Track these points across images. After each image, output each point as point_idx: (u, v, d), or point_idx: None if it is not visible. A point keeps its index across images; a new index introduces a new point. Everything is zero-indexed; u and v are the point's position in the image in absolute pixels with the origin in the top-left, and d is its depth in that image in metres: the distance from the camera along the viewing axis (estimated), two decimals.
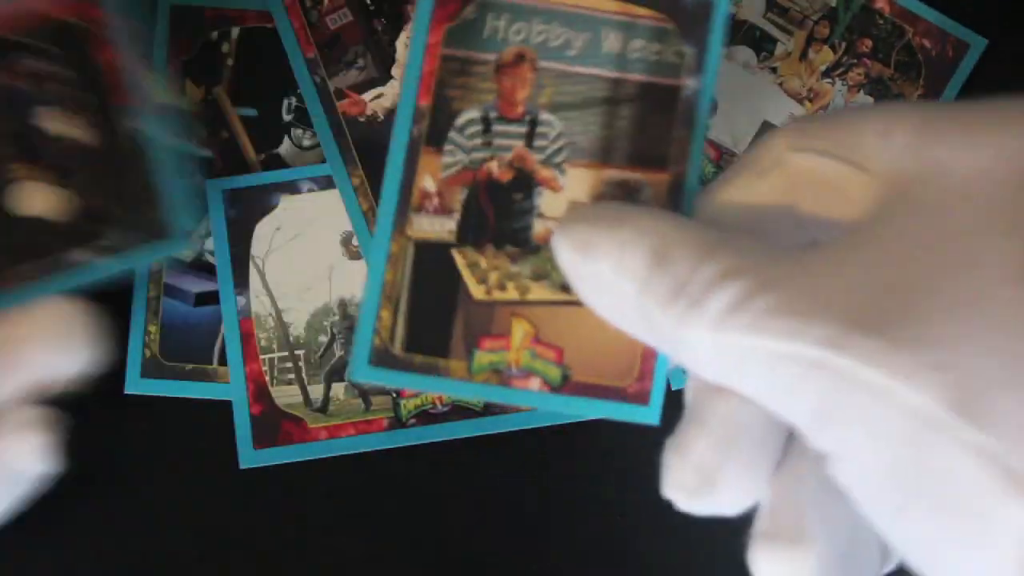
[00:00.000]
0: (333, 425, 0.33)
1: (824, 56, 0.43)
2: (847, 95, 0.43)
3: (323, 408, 0.43)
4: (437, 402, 0.33)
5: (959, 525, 0.23)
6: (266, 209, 0.33)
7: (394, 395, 0.33)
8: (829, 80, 0.43)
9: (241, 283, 0.41)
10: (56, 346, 0.32)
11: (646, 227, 0.28)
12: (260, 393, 0.33)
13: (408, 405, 0.33)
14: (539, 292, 0.37)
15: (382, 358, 0.37)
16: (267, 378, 0.38)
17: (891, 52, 0.43)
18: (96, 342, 0.33)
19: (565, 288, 0.36)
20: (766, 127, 0.43)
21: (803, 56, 0.43)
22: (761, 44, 0.44)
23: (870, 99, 0.43)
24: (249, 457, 0.33)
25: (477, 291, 0.37)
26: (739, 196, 0.30)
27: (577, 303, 0.37)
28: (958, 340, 0.23)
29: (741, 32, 0.43)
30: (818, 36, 0.43)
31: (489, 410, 0.33)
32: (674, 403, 0.35)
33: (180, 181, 0.32)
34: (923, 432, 0.23)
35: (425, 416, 0.33)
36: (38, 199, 0.32)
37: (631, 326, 0.29)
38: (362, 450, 0.41)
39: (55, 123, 0.32)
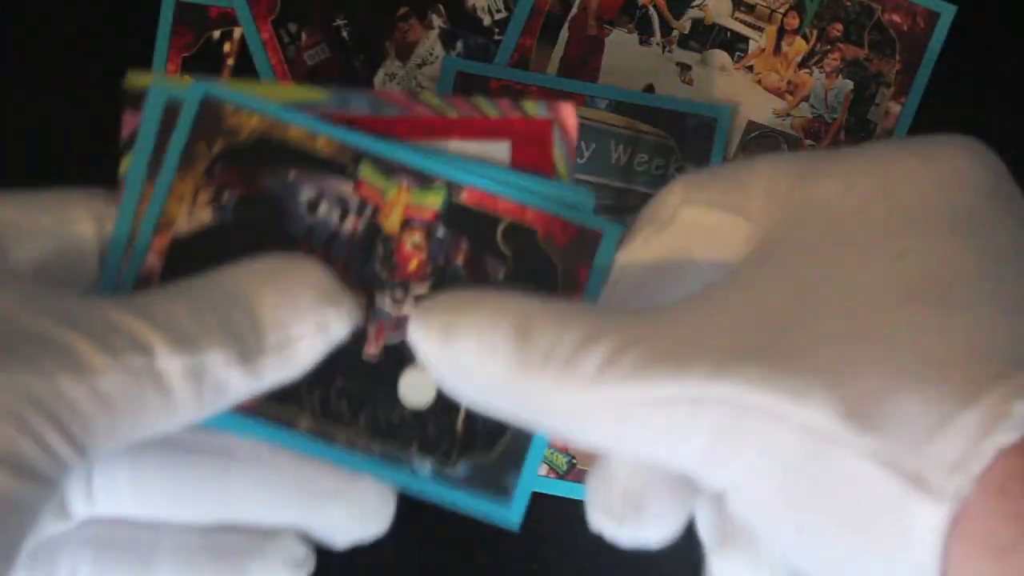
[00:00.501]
0: None
1: (798, 47, 0.43)
2: (826, 82, 0.43)
3: None
4: None
5: (868, 534, 0.23)
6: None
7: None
8: (807, 70, 0.43)
9: None
10: (358, 517, 0.33)
11: (503, 305, 0.28)
12: None
13: None
14: None
15: None
16: None
17: (863, 33, 0.43)
18: (388, 525, 0.33)
19: None
20: (751, 127, 0.43)
21: (777, 50, 0.43)
22: (734, 45, 0.43)
23: (850, 83, 0.43)
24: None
25: None
26: (641, 252, 0.31)
27: None
28: (840, 359, 0.24)
29: (712, 36, 0.43)
30: (788, 28, 0.43)
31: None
32: None
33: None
34: (819, 446, 0.23)
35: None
36: (423, 390, 0.32)
37: (499, 406, 0.29)
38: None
39: None
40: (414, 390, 0.32)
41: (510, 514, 0.31)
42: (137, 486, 0.32)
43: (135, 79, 0.32)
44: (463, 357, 0.28)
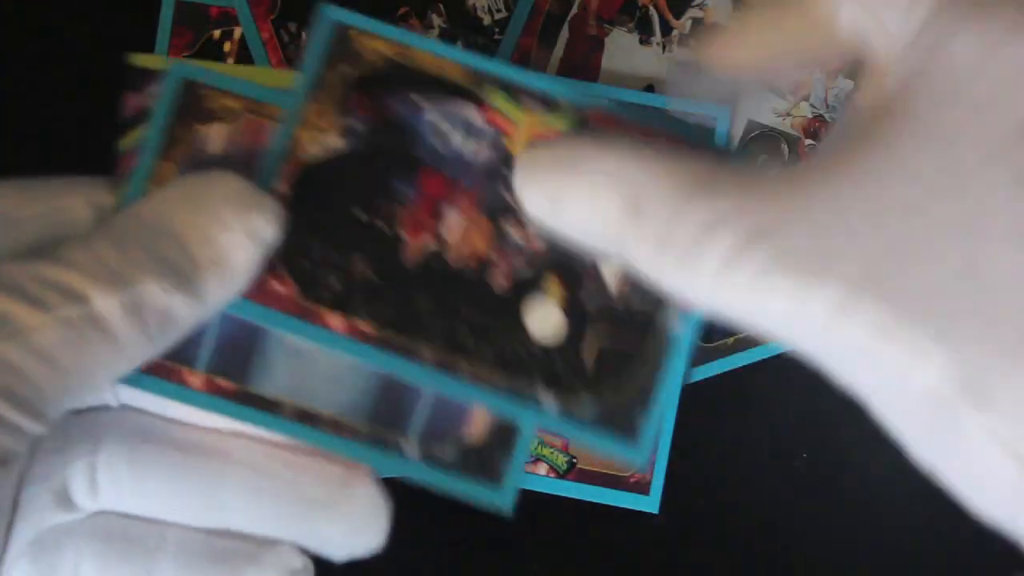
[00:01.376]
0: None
1: None
2: (826, 82, 0.43)
3: None
4: None
5: (987, 503, 0.23)
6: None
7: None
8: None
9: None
10: (351, 532, 0.32)
11: (614, 170, 0.26)
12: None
13: None
14: None
15: None
16: None
17: None
18: (383, 540, 0.32)
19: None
20: (751, 127, 0.43)
21: None
22: None
23: (850, 83, 0.43)
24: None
25: None
26: (760, 25, 0.28)
27: None
28: (964, 314, 0.23)
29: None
30: None
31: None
32: (673, 493, 0.36)
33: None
34: (936, 411, 0.23)
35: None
36: (551, 323, 0.31)
37: (622, 261, 0.27)
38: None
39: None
40: (544, 324, 0.31)
41: (636, 456, 0.31)
42: (137, 483, 0.32)
43: (140, 60, 0.33)
44: (575, 226, 0.27)
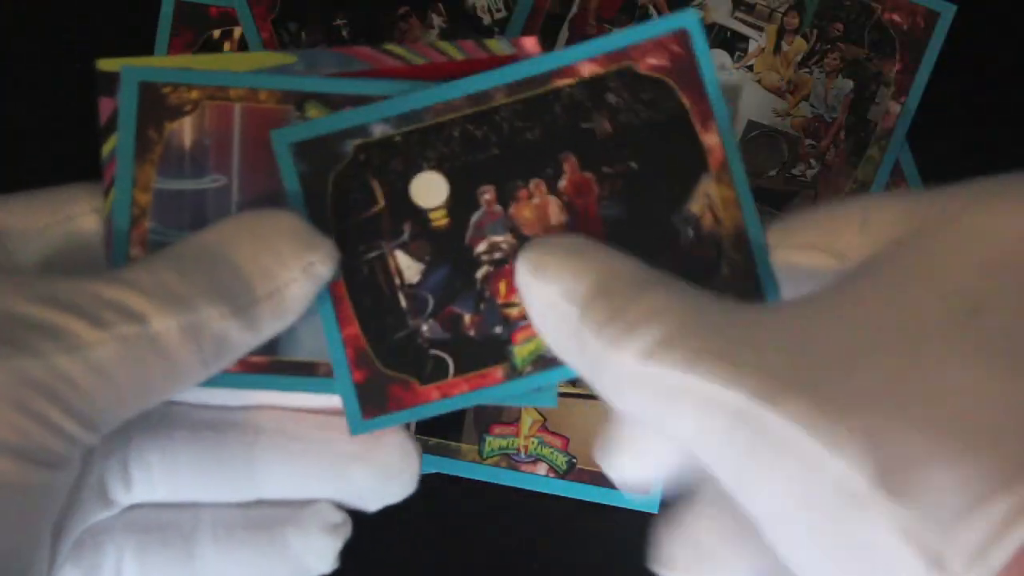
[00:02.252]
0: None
1: (798, 46, 0.43)
2: (826, 81, 0.43)
3: None
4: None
5: None
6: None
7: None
8: (806, 70, 0.43)
9: None
10: (384, 479, 0.33)
11: (597, 260, 0.29)
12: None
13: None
14: None
15: None
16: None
17: (863, 32, 0.43)
18: (415, 482, 0.34)
19: (573, 382, 0.37)
20: (751, 127, 0.43)
21: (777, 50, 0.43)
22: (734, 44, 0.43)
23: (850, 83, 0.43)
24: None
25: None
26: None
27: (583, 396, 0.38)
28: (890, 412, 0.23)
29: (712, 35, 0.43)
30: (788, 27, 0.43)
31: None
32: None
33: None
34: (847, 503, 0.23)
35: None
36: None
37: (566, 350, 0.30)
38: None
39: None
40: None
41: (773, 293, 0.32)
42: (169, 470, 0.33)
43: (107, 64, 0.33)
44: (545, 297, 0.29)
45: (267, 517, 0.34)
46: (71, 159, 0.45)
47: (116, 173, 0.33)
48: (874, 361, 0.24)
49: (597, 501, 0.40)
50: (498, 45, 0.33)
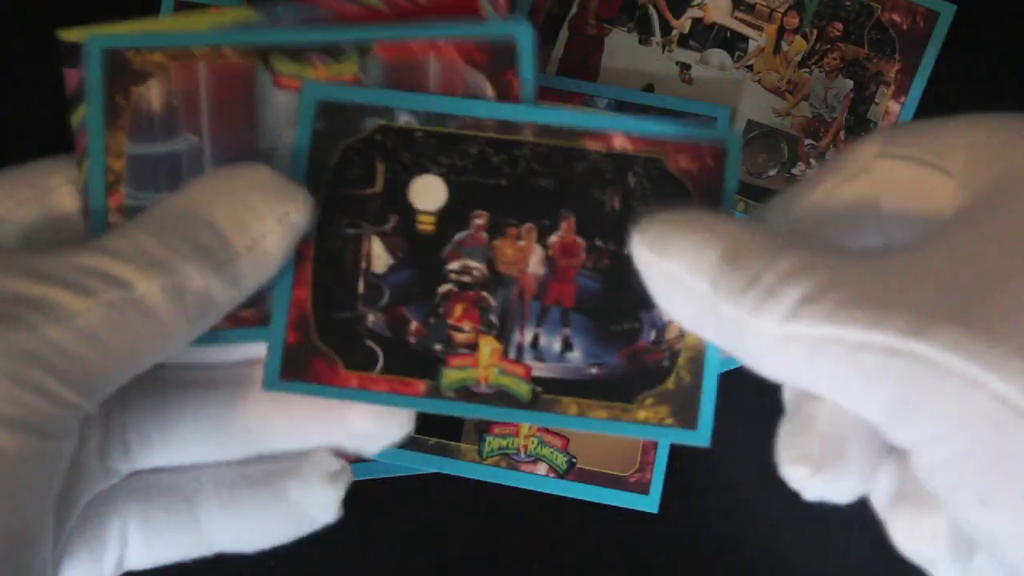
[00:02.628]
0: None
1: (797, 46, 0.43)
2: (826, 81, 0.43)
3: None
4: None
5: None
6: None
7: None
8: (806, 69, 0.43)
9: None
10: (380, 420, 0.33)
11: (718, 230, 0.29)
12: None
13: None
14: None
15: None
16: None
17: (863, 32, 0.43)
18: (412, 422, 0.34)
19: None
20: (751, 127, 0.43)
21: (777, 49, 0.43)
22: (733, 44, 0.43)
23: (849, 82, 0.43)
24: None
25: None
26: (823, 199, 0.31)
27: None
28: None
29: (712, 35, 0.43)
30: (788, 27, 0.43)
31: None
32: (674, 492, 0.35)
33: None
34: (1012, 419, 0.23)
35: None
36: None
37: (700, 325, 0.30)
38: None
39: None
40: None
41: (699, 437, 0.33)
42: (165, 432, 0.33)
43: (69, 34, 0.33)
44: (674, 273, 0.29)
45: (267, 472, 0.34)
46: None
47: (88, 142, 0.33)
48: (1010, 288, 0.24)
49: (597, 501, 0.40)
50: None
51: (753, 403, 0.45)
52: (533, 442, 0.38)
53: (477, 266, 0.33)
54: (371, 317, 0.33)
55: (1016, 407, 0.23)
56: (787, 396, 0.31)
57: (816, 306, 0.26)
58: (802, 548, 0.42)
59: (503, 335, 0.33)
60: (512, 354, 0.33)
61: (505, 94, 0.32)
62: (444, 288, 0.33)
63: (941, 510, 0.28)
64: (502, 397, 0.33)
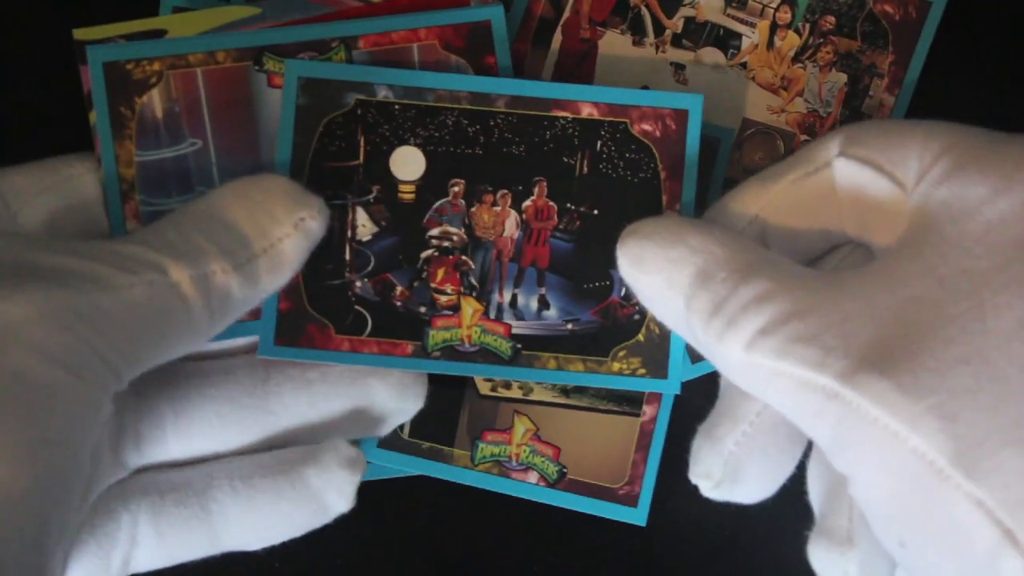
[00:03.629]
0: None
1: (790, 41, 0.43)
2: (820, 75, 0.43)
3: None
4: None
5: (959, 567, 0.25)
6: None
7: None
8: (800, 64, 0.43)
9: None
10: (398, 394, 0.36)
11: (695, 246, 0.31)
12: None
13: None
14: (541, 393, 0.39)
15: (390, 442, 0.39)
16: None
17: (855, 25, 0.43)
18: (424, 397, 0.36)
19: (566, 392, 0.38)
20: (747, 124, 0.43)
21: (770, 45, 0.43)
22: (727, 42, 0.43)
23: (843, 76, 0.43)
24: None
25: (483, 386, 0.39)
26: (787, 192, 0.33)
27: (576, 407, 0.39)
28: (964, 392, 0.25)
29: (704, 33, 0.43)
30: (781, 22, 0.43)
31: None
32: (663, 503, 0.36)
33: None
34: (926, 476, 0.25)
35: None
36: None
37: (681, 332, 0.32)
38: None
39: None
40: None
41: (669, 386, 0.35)
42: (182, 422, 0.34)
43: (83, 33, 0.34)
44: (650, 287, 0.32)
45: (282, 460, 0.35)
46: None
47: (100, 153, 0.34)
48: (947, 339, 0.26)
49: (586, 512, 0.40)
50: None
51: None
52: (525, 451, 0.39)
53: (456, 232, 0.35)
54: (358, 284, 0.35)
55: (932, 464, 0.25)
56: (722, 385, 0.33)
57: (770, 340, 0.28)
58: (794, 560, 0.43)
59: (483, 296, 0.35)
60: (493, 314, 0.35)
61: (485, 74, 0.34)
62: (426, 253, 0.35)
63: (855, 550, 0.30)
64: (485, 354, 0.35)
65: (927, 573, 0.26)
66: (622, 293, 0.36)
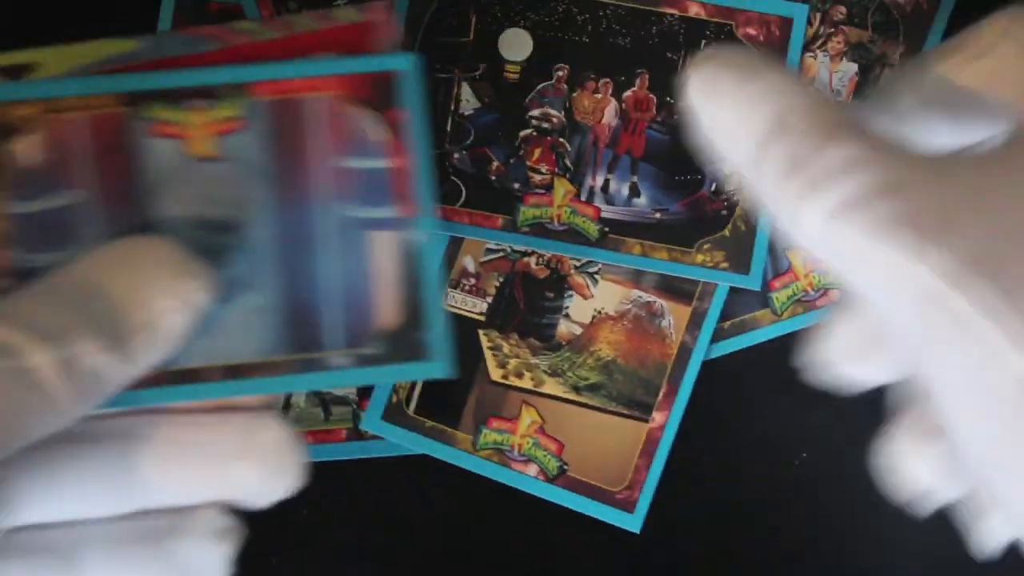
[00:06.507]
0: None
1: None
2: (831, 65, 0.43)
3: (282, 412, 0.42)
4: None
5: None
6: None
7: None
8: (811, 54, 0.43)
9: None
10: (267, 475, 0.32)
11: (775, 87, 0.27)
12: None
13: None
14: (553, 387, 0.39)
15: (394, 415, 0.39)
16: None
17: (866, 15, 0.43)
18: (301, 475, 0.32)
19: (576, 389, 0.38)
20: None
21: None
22: None
23: (854, 66, 0.43)
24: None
25: (495, 372, 0.39)
26: (951, 74, 0.29)
27: (585, 404, 0.39)
28: None
29: None
30: None
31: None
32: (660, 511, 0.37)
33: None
34: None
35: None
36: None
37: (744, 173, 0.27)
38: (318, 459, 0.40)
39: None
40: None
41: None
42: (49, 488, 0.32)
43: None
44: (719, 120, 0.27)
45: (153, 529, 0.33)
46: None
47: None
48: None
49: (580, 511, 0.40)
50: (348, 14, 0.31)
51: (748, 411, 0.46)
52: (528, 442, 0.39)
53: (556, 114, 0.36)
54: (456, 155, 0.36)
55: None
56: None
57: (860, 213, 0.24)
58: (800, 557, 0.44)
59: (576, 178, 0.36)
60: (584, 196, 0.36)
61: (395, 130, 0.31)
62: (525, 132, 0.36)
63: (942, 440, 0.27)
64: (573, 234, 0.36)
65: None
66: (712, 188, 0.37)
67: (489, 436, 0.40)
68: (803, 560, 0.43)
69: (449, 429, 0.40)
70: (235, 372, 0.31)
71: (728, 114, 0.27)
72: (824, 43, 0.43)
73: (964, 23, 0.42)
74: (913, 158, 0.25)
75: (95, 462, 0.32)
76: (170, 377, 0.32)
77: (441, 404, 0.40)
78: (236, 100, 0.31)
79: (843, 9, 0.43)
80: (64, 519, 0.32)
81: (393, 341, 0.31)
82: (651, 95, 0.36)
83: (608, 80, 0.36)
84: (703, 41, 0.35)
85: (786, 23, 0.35)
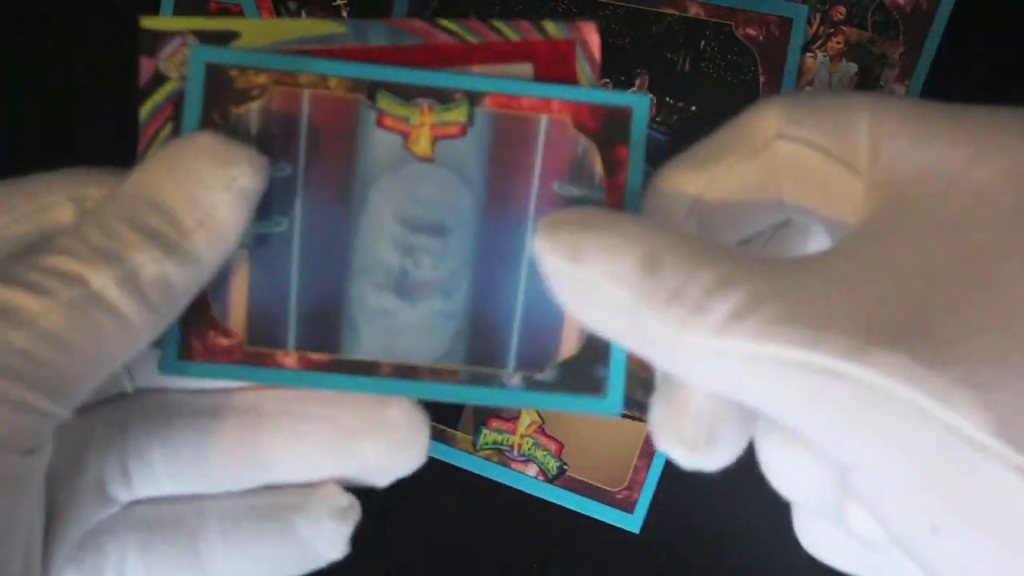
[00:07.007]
0: None
1: None
2: (830, 66, 0.43)
3: None
4: None
5: (1004, 546, 0.23)
6: None
7: None
8: (811, 54, 0.43)
9: None
10: (392, 454, 0.33)
11: (633, 233, 0.27)
12: None
13: None
14: None
15: None
16: None
17: (866, 15, 0.43)
18: (425, 455, 0.33)
19: None
20: None
21: None
22: None
23: (854, 66, 0.43)
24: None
25: None
26: (725, 180, 0.30)
27: None
28: (986, 359, 0.23)
29: None
30: None
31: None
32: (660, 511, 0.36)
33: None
34: (964, 453, 0.23)
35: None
36: None
37: (622, 335, 0.28)
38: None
39: None
40: None
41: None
42: (170, 461, 0.32)
43: (150, 22, 0.32)
44: (590, 280, 0.27)
45: (274, 505, 0.33)
46: (72, 154, 0.45)
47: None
48: (951, 308, 0.24)
49: (580, 511, 0.40)
50: (556, 29, 0.32)
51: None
52: (528, 442, 0.39)
53: None
54: None
55: (969, 439, 0.23)
56: (658, 375, 0.30)
57: (748, 321, 0.25)
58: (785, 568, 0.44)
59: None
60: None
61: (613, 167, 0.31)
62: None
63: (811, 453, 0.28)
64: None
65: (962, 558, 0.24)
66: None
67: (489, 436, 0.40)
68: (803, 560, 0.43)
69: (449, 429, 0.40)
70: (406, 372, 0.31)
71: (594, 270, 0.27)
72: (824, 43, 0.43)
73: (964, 23, 0.43)
74: (782, 264, 0.26)
75: (219, 437, 0.33)
76: (339, 365, 0.32)
77: (441, 404, 0.40)
78: (465, 106, 0.32)
79: (843, 9, 0.43)
80: (184, 493, 0.33)
81: (570, 371, 0.31)
82: (651, 96, 0.35)
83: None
84: (702, 41, 0.35)
85: (786, 23, 0.35)
